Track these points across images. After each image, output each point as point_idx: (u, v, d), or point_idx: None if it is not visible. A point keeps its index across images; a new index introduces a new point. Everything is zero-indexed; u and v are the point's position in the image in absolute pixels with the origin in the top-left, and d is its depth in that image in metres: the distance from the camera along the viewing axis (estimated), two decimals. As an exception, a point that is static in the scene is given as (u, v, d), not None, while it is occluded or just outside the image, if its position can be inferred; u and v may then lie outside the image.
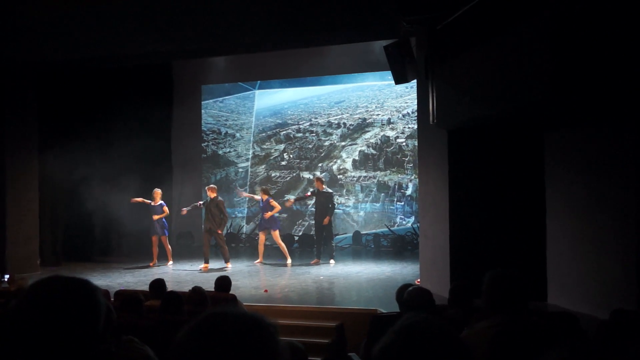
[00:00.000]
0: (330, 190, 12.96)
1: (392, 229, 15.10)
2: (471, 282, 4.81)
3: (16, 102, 11.71)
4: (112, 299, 6.75)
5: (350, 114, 15.77)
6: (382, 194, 15.40)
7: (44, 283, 1.74)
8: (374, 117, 15.58)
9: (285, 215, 15.47)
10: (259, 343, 1.29)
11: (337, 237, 14.55)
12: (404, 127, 15.29)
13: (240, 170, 16.57)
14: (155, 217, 12.42)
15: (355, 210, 15.62)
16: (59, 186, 12.82)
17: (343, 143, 15.80)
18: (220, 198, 12.49)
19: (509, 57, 6.45)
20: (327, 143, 15.92)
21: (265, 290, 9.55)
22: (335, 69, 15.08)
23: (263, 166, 16.40)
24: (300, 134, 16.15)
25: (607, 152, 7.42)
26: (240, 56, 14.51)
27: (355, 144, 15.71)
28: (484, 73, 7.02)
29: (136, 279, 10.89)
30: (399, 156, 15.34)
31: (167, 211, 12.66)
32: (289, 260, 12.43)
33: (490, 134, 8.47)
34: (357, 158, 15.66)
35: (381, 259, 13.37)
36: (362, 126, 15.68)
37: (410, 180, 15.08)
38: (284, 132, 16.29)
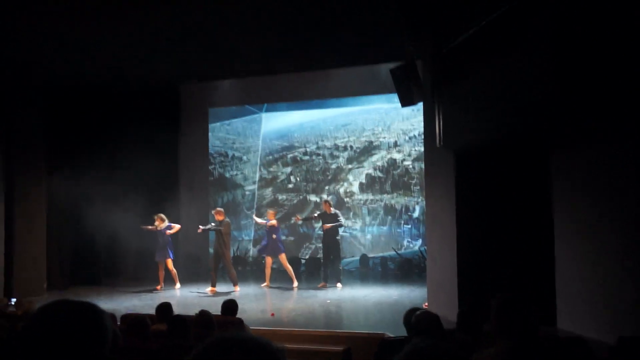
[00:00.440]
0: (337, 212, 12.94)
1: (399, 252, 15.04)
2: (479, 306, 4.78)
3: (24, 125, 11.80)
4: (119, 323, 6.73)
5: (357, 137, 15.80)
6: (389, 217, 15.36)
7: (51, 307, 1.74)
8: (381, 139, 15.59)
9: (292, 238, 15.44)
10: (266, 368, 1.29)
11: (344, 260, 14.49)
12: (411, 150, 15.30)
13: (247, 192, 16.58)
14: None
15: (362, 234, 15.58)
16: (66, 209, 12.86)
17: (350, 166, 15.81)
18: (227, 220, 12.52)
19: (514, 79, 6.47)
20: (334, 166, 15.94)
21: (272, 314, 9.51)
22: (341, 91, 15.12)
23: (270, 189, 16.41)
24: (307, 157, 16.18)
25: (614, 172, 7.38)
26: (247, 79, 14.60)
27: (362, 166, 15.71)
28: (490, 95, 7.04)
29: (143, 303, 10.86)
30: (405, 179, 15.33)
31: (177, 227, 12.69)
32: (295, 283, 12.39)
33: (496, 155, 8.47)
34: (364, 181, 15.66)
35: (388, 282, 13.31)
36: (369, 149, 15.69)
37: (417, 203, 15.04)
38: (291, 155, 16.32)
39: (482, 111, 7.28)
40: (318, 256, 14.64)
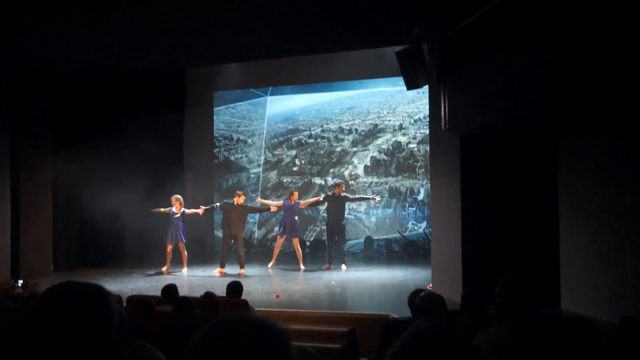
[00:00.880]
0: (345, 194, 12.93)
1: (404, 234, 15.07)
2: (483, 288, 4.79)
3: (30, 110, 11.80)
4: (125, 305, 6.77)
5: (362, 120, 15.77)
6: (394, 200, 15.37)
7: (57, 289, 1.75)
8: (386, 122, 15.56)
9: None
10: (271, 349, 1.30)
11: (349, 242, 14.53)
12: (416, 133, 15.27)
13: (252, 176, 16.60)
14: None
15: (367, 216, 15.60)
16: (72, 192, 12.90)
17: (355, 149, 15.80)
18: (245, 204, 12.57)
19: (520, 63, 6.43)
20: (338, 149, 15.92)
21: (277, 296, 9.55)
22: (347, 74, 15.08)
23: (275, 172, 16.42)
24: (311, 140, 16.16)
25: (620, 157, 7.37)
26: (252, 62, 14.56)
27: (367, 149, 15.70)
28: (496, 79, 7.00)
29: (148, 285, 10.92)
30: (410, 161, 15.32)
31: (198, 212, 12.73)
32: (302, 267, 12.43)
33: (502, 139, 8.44)
34: (368, 164, 15.65)
35: (393, 264, 13.34)
36: (374, 132, 15.67)
37: (422, 186, 15.04)
38: (296, 138, 16.30)
39: (488, 95, 7.25)
40: (322, 238, 14.68)
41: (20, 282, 9.30)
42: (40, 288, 7.14)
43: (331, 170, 15.91)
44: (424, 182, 14.86)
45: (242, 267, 12.09)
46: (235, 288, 7.27)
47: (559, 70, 5.60)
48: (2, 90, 11.36)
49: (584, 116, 6.69)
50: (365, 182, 15.61)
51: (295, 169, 16.26)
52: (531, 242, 8.37)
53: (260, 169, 16.56)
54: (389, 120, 15.52)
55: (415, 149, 15.26)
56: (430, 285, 9.47)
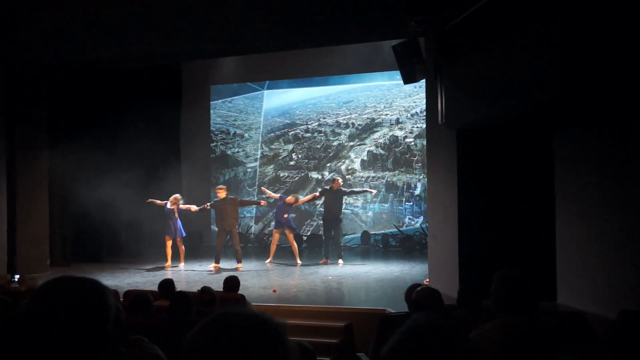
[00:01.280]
0: (341, 188, 12.94)
1: (400, 229, 15.08)
2: (480, 283, 4.80)
3: (26, 104, 11.76)
4: (121, 299, 6.78)
5: (359, 114, 15.76)
6: (391, 194, 15.38)
7: (54, 283, 1.75)
8: (383, 117, 15.56)
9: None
10: (268, 343, 1.30)
11: (346, 237, 14.54)
12: (413, 127, 15.27)
13: (249, 170, 16.59)
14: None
15: (364, 211, 15.61)
16: (68, 186, 12.87)
17: (351, 143, 15.79)
18: (231, 196, 12.57)
19: (518, 57, 6.43)
20: (335, 143, 15.92)
21: (274, 291, 9.56)
22: (343, 69, 15.07)
23: (271, 166, 16.42)
24: (308, 134, 16.16)
25: (617, 152, 7.38)
26: (249, 56, 14.53)
27: (364, 144, 15.70)
28: (493, 73, 7.00)
29: (145, 279, 10.92)
30: (407, 156, 15.32)
31: (190, 208, 12.73)
32: (299, 262, 12.44)
33: (499, 134, 8.44)
34: (365, 158, 15.65)
35: (390, 259, 13.36)
36: (371, 126, 15.67)
37: (419, 180, 15.05)
38: (293, 132, 16.30)
39: (485, 89, 7.25)
40: (319, 233, 14.69)
41: (17, 276, 9.31)
42: (37, 283, 7.14)
43: (328, 164, 15.91)
44: (421, 177, 14.87)
45: (239, 261, 12.09)
46: (232, 283, 7.28)
47: (556, 64, 5.60)
48: (-3, 84, 11.33)
49: (580, 110, 6.70)
50: (362, 177, 15.61)
51: (292, 163, 16.26)
52: (527, 236, 8.39)
53: (257, 163, 16.56)
54: (386, 115, 15.52)
55: (412, 143, 15.27)
56: (427, 280, 9.48)
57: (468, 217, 8.57)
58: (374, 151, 15.59)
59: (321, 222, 13.45)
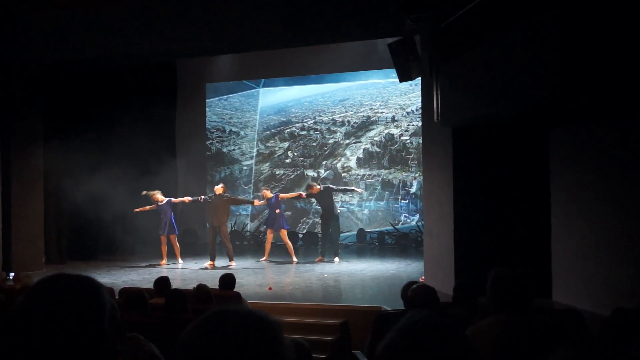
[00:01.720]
0: (327, 185, 12.95)
1: (396, 226, 15.09)
2: (475, 280, 4.81)
3: (21, 102, 11.74)
4: (117, 297, 6.77)
5: (355, 112, 15.76)
6: (387, 192, 15.39)
7: (48, 281, 1.75)
8: (378, 114, 15.56)
9: (289, 212, 15.47)
10: (263, 341, 1.30)
11: (342, 234, 14.54)
12: (408, 125, 15.28)
13: (245, 168, 16.58)
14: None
15: (360, 209, 15.62)
16: (63, 184, 12.85)
17: (347, 141, 15.79)
18: (227, 194, 12.57)
19: (514, 54, 6.44)
20: (331, 141, 15.92)
21: (270, 288, 9.56)
22: (339, 66, 15.06)
23: (267, 164, 16.41)
24: (304, 132, 16.15)
25: (613, 150, 7.39)
26: (245, 54, 14.51)
27: (360, 141, 15.70)
28: (489, 70, 7.01)
29: (140, 277, 10.91)
30: (403, 154, 15.33)
31: (184, 199, 12.78)
32: (295, 259, 12.43)
33: (495, 132, 8.45)
34: (361, 156, 15.65)
35: (385, 256, 13.37)
36: (367, 124, 15.67)
37: (415, 178, 15.06)
38: (288, 130, 16.29)
39: (481, 87, 7.25)
40: (315, 230, 14.70)
41: (12, 274, 9.27)
42: (32, 280, 7.12)
43: (324, 162, 15.91)
44: (417, 175, 14.87)
45: (231, 259, 12.10)
46: (228, 280, 7.28)
47: (552, 61, 5.61)
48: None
49: (576, 108, 6.70)
50: (357, 175, 15.61)
51: (287, 161, 16.25)
52: (523, 234, 8.41)
53: (253, 161, 16.55)
54: (382, 113, 15.52)
55: (408, 141, 15.27)
56: (423, 277, 9.50)
57: (463, 215, 8.58)
58: (370, 149, 15.60)
59: (317, 220, 13.46)
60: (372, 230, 15.29)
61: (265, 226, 13.06)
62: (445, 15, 7.84)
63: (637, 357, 1.22)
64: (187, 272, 11.54)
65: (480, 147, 8.60)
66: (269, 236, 12.79)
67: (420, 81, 9.71)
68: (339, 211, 12.89)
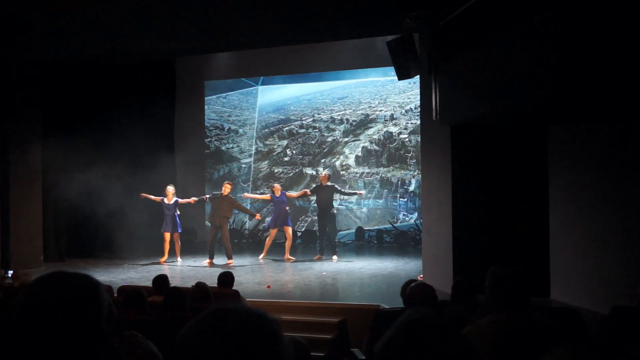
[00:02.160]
0: (334, 185, 12.94)
1: (395, 225, 15.09)
2: (474, 278, 4.81)
3: (20, 100, 11.72)
4: (116, 295, 6.77)
5: (353, 110, 15.76)
6: (385, 190, 15.39)
7: (46, 279, 1.75)
8: (377, 112, 15.56)
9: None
10: (262, 339, 1.30)
11: (340, 232, 14.55)
12: (407, 123, 15.27)
13: (243, 166, 16.58)
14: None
15: (358, 207, 15.62)
16: (62, 182, 12.84)
17: (346, 139, 15.79)
18: (232, 196, 12.60)
19: (512, 53, 6.43)
20: (330, 139, 15.91)
21: (268, 286, 9.56)
22: (338, 64, 15.06)
23: (266, 162, 16.40)
24: (303, 130, 16.15)
25: (611, 148, 7.40)
26: (244, 52, 14.50)
27: (358, 139, 15.69)
28: (488, 69, 7.00)
29: (139, 275, 10.90)
30: (402, 152, 15.33)
31: (190, 200, 12.81)
32: (289, 257, 12.38)
33: (493, 130, 8.46)
34: (360, 154, 15.65)
35: (384, 254, 13.37)
36: (365, 122, 15.66)
37: (413, 176, 15.06)
38: (287, 128, 16.28)
39: (479, 85, 7.25)
40: (314, 229, 14.69)
41: (10, 272, 9.28)
42: (31, 278, 7.11)
43: (322, 160, 15.90)
44: (415, 173, 14.87)
45: (229, 258, 12.11)
46: (226, 279, 7.27)
47: (551, 60, 5.61)
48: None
49: (575, 107, 6.71)
50: (356, 173, 15.61)
51: (286, 159, 16.25)
52: (521, 232, 8.41)
53: (252, 159, 16.54)
54: (380, 111, 15.52)
55: (407, 139, 15.27)
56: (421, 276, 9.50)
57: (462, 213, 8.59)
58: (369, 147, 15.59)
59: (315, 218, 13.46)
60: (371, 228, 15.29)
61: (268, 225, 13.01)
62: (444, 14, 7.83)
63: (636, 356, 1.22)
64: (185, 270, 11.54)
65: (479, 146, 8.60)
66: (271, 234, 12.74)
67: (419, 79, 9.71)
68: (335, 211, 12.89)
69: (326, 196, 12.56)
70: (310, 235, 15.00)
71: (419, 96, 10.27)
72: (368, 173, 15.55)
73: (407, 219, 15.16)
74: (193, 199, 12.82)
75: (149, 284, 7.09)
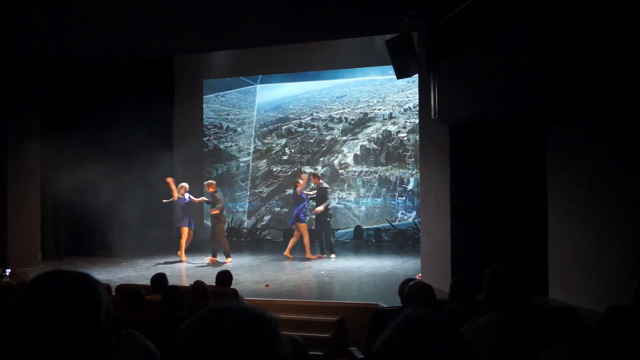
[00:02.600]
0: (327, 186, 12.93)
1: (393, 223, 15.10)
2: (472, 277, 4.81)
3: (19, 98, 11.71)
4: (114, 293, 6.77)
5: (352, 109, 15.75)
6: (384, 189, 15.39)
7: (44, 277, 1.74)
8: (376, 111, 15.55)
9: (286, 209, 15.47)
10: (260, 337, 1.30)
11: (339, 231, 14.55)
12: (406, 122, 15.27)
13: (242, 164, 16.56)
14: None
15: (357, 205, 15.61)
16: (60, 180, 12.82)
17: (344, 138, 15.78)
18: (217, 193, 12.58)
19: (511, 52, 6.44)
20: (328, 138, 15.91)
21: (267, 285, 9.56)
22: (336, 63, 15.04)
23: (264, 160, 16.39)
24: (301, 129, 16.14)
25: (609, 148, 7.40)
26: (242, 51, 14.48)
27: (357, 138, 15.69)
28: (486, 68, 7.01)
29: (137, 274, 10.90)
30: (400, 151, 15.33)
31: (202, 199, 13.08)
32: (285, 254, 12.41)
33: (491, 129, 8.46)
34: (358, 153, 15.65)
35: (382, 253, 13.37)
36: (364, 121, 15.66)
37: (412, 175, 15.06)
38: (286, 126, 16.27)
39: (478, 84, 7.25)
40: (312, 228, 14.68)
41: (8, 271, 9.26)
42: (28, 277, 7.10)
43: (321, 159, 15.90)
44: (414, 172, 14.87)
45: (227, 256, 12.14)
46: (224, 277, 7.28)
47: (550, 58, 5.61)
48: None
49: (574, 106, 6.71)
50: (354, 171, 15.61)
51: (285, 157, 16.24)
52: (520, 231, 8.42)
53: (250, 158, 16.53)
54: (379, 109, 15.52)
55: (405, 138, 15.27)
56: (420, 274, 9.50)
57: (460, 212, 8.59)
58: (367, 146, 15.59)
59: (313, 216, 13.45)
60: (369, 227, 15.29)
61: (291, 222, 12.92)
62: (443, 13, 7.84)
63: (633, 355, 1.22)
64: (184, 268, 11.54)
65: (477, 145, 8.61)
66: (299, 231, 12.60)
67: (417, 78, 9.71)
68: (330, 211, 12.88)
69: (324, 197, 12.58)
70: (310, 234, 14.96)
71: (417, 95, 10.27)
72: (366, 172, 15.54)
73: (405, 217, 15.16)
74: (203, 199, 13.08)
75: (147, 282, 7.10)
